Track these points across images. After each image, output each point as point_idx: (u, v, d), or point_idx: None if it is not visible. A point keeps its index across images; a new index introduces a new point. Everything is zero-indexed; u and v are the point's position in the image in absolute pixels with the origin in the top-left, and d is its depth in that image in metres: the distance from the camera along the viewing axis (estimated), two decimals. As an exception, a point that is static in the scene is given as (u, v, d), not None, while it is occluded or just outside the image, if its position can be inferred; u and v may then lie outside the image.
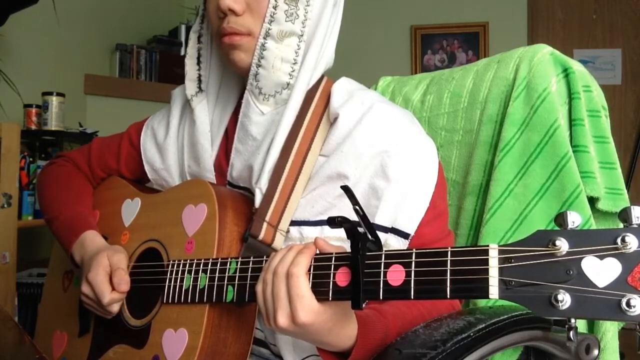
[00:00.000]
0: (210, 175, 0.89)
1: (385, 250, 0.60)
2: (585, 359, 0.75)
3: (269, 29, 0.81)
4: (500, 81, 1.01)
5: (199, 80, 0.92)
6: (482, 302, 0.92)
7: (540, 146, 0.93)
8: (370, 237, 0.61)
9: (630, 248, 0.46)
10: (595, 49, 3.36)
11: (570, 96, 0.94)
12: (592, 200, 0.91)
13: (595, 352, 0.76)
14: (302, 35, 0.82)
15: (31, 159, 2.13)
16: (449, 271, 0.54)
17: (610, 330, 0.90)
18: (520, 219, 0.93)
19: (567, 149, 0.90)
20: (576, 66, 0.95)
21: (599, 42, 3.37)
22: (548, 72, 0.94)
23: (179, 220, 0.84)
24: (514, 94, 0.96)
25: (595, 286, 0.47)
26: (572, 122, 0.94)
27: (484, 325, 0.67)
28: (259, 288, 0.66)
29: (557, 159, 0.91)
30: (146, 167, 0.98)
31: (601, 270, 0.47)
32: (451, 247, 0.55)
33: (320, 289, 0.62)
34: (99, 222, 1.00)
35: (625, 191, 0.94)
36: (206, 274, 0.76)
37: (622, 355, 0.92)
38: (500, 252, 0.52)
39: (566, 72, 0.95)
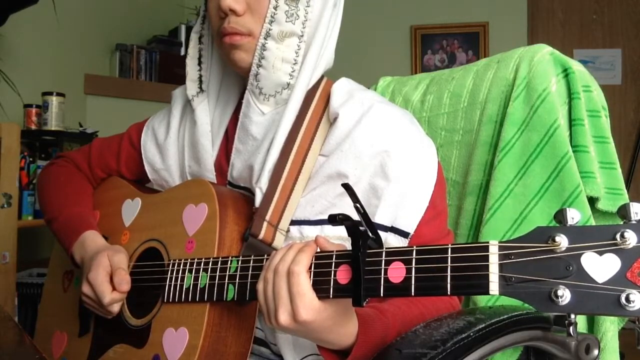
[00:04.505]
0: (211, 175, 0.90)
1: (386, 248, 0.60)
2: (585, 359, 0.75)
3: (270, 30, 0.81)
4: (500, 81, 1.01)
5: (200, 81, 0.92)
6: (482, 302, 0.93)
7: (540, 146, 0.93)
8: (370, 234, 0.61)
9: (629, 244, 0.46)
10: (595, 49, 3.36)
11: (570, 96, 0.94)
12: (592, 200, 0.91)
13: (595, 352, 0.76)
14: (302, 36, 0.82)
15: (31, 159, 2.12)
16: (449, 268, 0.54)
17: (610, 330, 0.90)
18: (520, 219, 0.94)
19: (567, 149, 0.90)
20: (576, 66, 0.95)
21: (599, 42, 3.37)
22: (548, 72, 0.94)
23: (180, 219, 0.84)
24: (514, 94, 0.96)
25: (594, 282, 0.47)
26: (572, 122, 0.94)
27: (484, 325, 0.67)
28: (260, 286, 0.66)
29: (557, 159, 0.91)
30: (146, 168, 0.98)
31: (600, 266, 0.47)
32: (451, 244, 0.56)
33: (321, 287, 0.62)
34: (99, 222, 1.00)
35: (625, 191, 0.94)
36: (207, 272, 0.76)
37: (622, 355, 0.92)
38: (500, 248, 0.52)
39: (566, 72, 0.95)
